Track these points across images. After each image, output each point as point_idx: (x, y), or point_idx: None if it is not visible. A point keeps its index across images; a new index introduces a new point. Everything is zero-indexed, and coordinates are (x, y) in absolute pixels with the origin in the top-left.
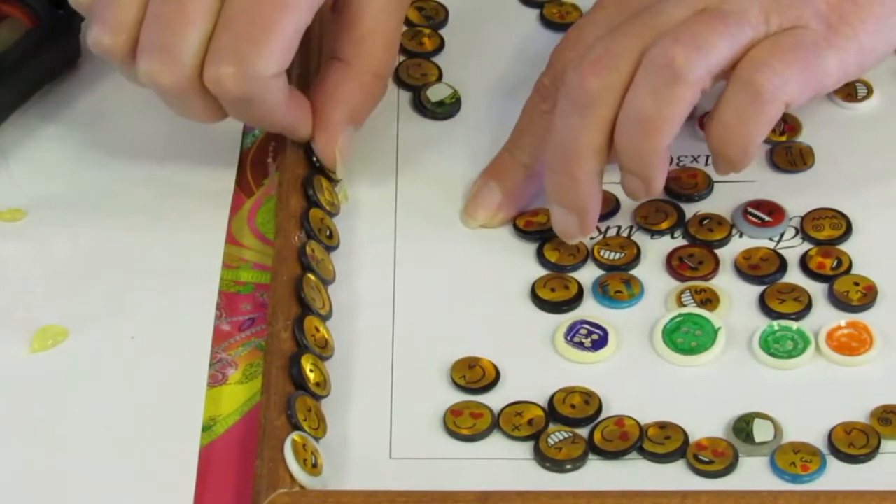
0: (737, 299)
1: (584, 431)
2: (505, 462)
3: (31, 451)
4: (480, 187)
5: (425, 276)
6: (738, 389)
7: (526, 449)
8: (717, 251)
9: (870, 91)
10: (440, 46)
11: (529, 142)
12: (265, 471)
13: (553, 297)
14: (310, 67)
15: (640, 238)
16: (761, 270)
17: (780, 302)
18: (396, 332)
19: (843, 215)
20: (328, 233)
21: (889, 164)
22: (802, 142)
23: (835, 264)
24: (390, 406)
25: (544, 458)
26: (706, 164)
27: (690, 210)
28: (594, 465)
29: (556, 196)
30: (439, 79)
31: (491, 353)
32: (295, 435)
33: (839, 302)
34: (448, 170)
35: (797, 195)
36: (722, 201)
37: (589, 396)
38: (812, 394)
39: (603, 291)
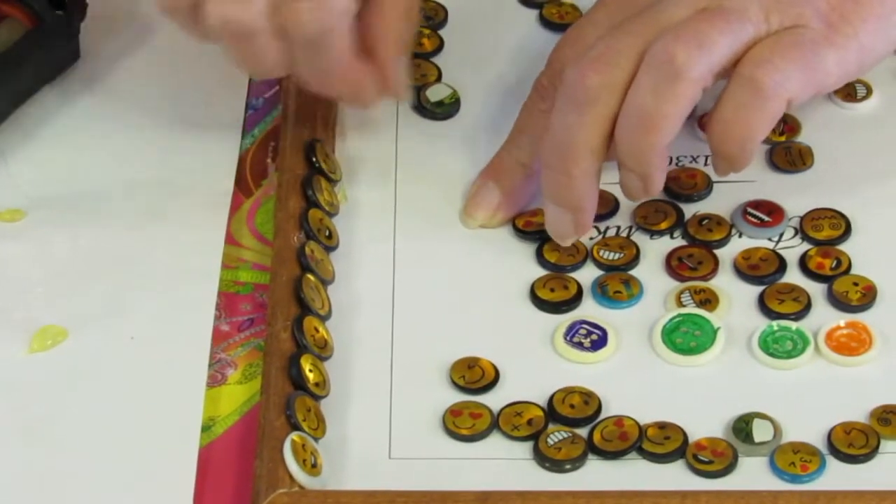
0: (736, 299)
1: (583, 431)
2: (504, 462)
3: (30, 451)
4: (479, 187)
5: (425, 276)
6: (738, 389)
7: (525, 449)
8: (717, 251)
9: (869, 91)
10: (440, 47)
11: (528, 141)
12: (264, 471)
13: (552, 297)
14: None
15: (639, 238)
16: (761, 270)
17: (779, 302)
18: (396, 332)
19: (843, 215)
20: (327, 233)
21: (888, 164)
22: (802, 142)
23: (834, 264)
24: (390, 406)
25: (544, 458)
26: (705, 165)
27: (690, 210)
28: (593, 465)
29: (552, 194)
30: (438, 79)
31: (490, 353)
32: (294, 435)
33: (838, 302)
34: (447, 170)
35: (796, 195)
36: (721, 201)
37: (588, 396)
38: (811, 394)
39: (602, 291)
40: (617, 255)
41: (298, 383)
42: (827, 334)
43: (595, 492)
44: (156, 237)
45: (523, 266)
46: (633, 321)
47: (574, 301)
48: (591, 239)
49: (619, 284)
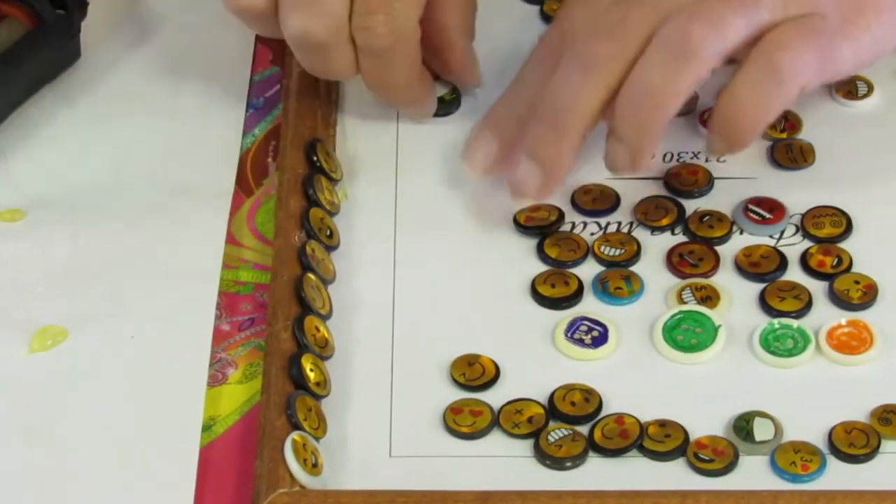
0: (737, 297)
1: (584, 429)
2: (505, 460)
3: (31, 451)
4: (476, 137)
5: (425, 274)
6: (739, 388)
7: (526, 446)
8: (718, 248)
9: (870, 89)
10: None
11: (527, 94)
12: (265, 470)
13: (553, 293)
14: None
15: (640, 234)
16: (762, 268)
17: (780, 300)
18: (396, 332)
19: (844, 213)
20: (328, 232)
21: (890, 162)
22: (803, 139)
23: (835, 262)
24: (390, 405)
25: (544, 456)
26: (707, 161)
27: (691, 207)
28: (594, 462)
29: (534, 148)
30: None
31: (491, 350)
32: (295, 434)
33: (839, 300)
34: (448, 168)
35: (798, 193)
36: (722, 198)
37: (589, 394)
38: (812, 393)
39: (603, 288)
40: (618, 252)
41: (299, 383)
42: (828, 333)
43: (595, 491)
44: (156, 237)
45: (524, 262)
46: (634, 318)
47: (575, 297)
48: (592, 235)
49: (619, 281)
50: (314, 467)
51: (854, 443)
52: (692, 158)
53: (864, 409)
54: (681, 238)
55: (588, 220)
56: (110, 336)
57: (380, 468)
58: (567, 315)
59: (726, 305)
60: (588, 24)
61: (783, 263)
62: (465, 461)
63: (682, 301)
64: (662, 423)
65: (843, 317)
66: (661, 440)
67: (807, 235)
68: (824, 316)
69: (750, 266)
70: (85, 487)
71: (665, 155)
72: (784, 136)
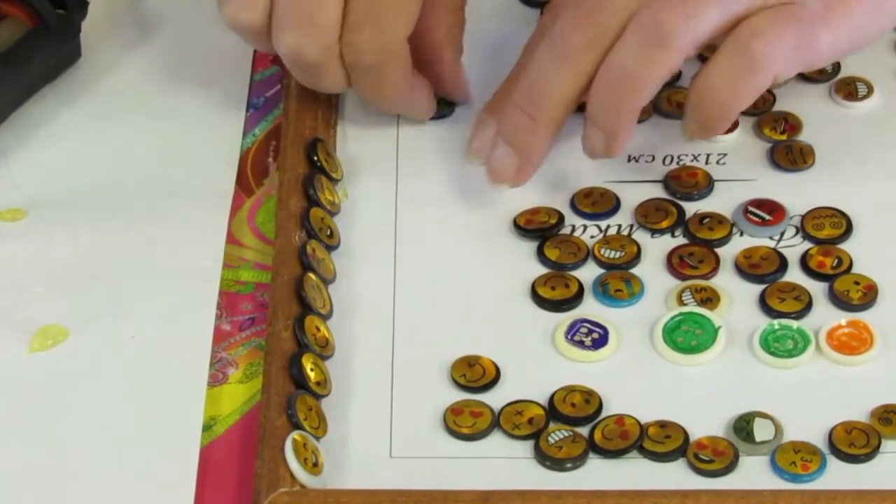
0: (737, 298)
1: (584, 430)
2: (505, 461)
3: (31, 451)
4: (479, 123)
5: (426, 274)
6: (739, 388)
7: (526, 448)
8: (718, 250)
9: (870, 90)
10: None
11: None
12: (265, 470)
13: (553, 295)
14: None
15: (640, 236)
16: (762, 269)
17: (780, 301)
18: (397, 331)
19: (844, 214)
20: (329, 232)
21: (890, 163)
22: (803, 141)
23: (835, 263)
24: (390, 405)
25: (544, 457)
26: (706, 163)
27: (691, 209)
28: (594, 463)
29: (510, 133)
30: None
31: (491, 351)
32: (295, 434)
33: (839, 301)
34: (448, 169)
35: (798, 194)
36: (722, 200)
37: (589, 395)
38: (812, 393)
39: (603, 290)
40: (618, 254)
41: (299, 382)
42: (828, 333)
43: (596, 491)
44: (156, 236)
45: (524, 264)
46: (634, 320)
47: (575, 299)
48: (593, 238)
49: (620, 283)
50: (314, 467)
51: (854, 443)
52: (692, 161)
53: (864, 409)
54: (681, 240)
55: (588, 222)
56: (111, 336)
57: (380, 468)
58: (567, 317)
59: (726, 307)
60: (571, 8)
61: (783, 265)
62: (466, 462)
63: (682, 303)
64: (663, 424)
65: (843, 317)
66: (662, 441)
67: (807, 237)
68: (824, 317)
69: (750, 267)
70: (85, 487)
71: (665, 157)
72: (784, 137)
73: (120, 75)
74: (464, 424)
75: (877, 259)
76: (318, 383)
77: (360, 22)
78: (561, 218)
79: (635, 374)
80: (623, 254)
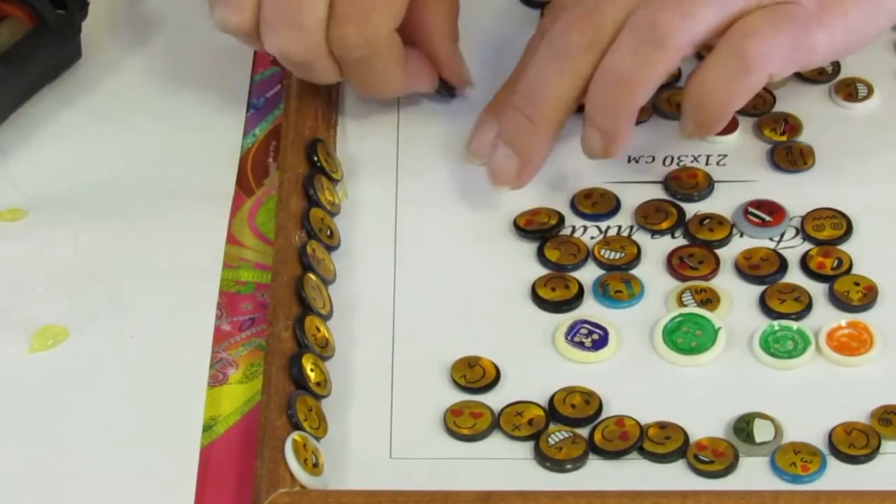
0: (737, 299)
1: (584, 431)
2: (505, 462)
3: (31, 451)
4: (481, 123)
5: (426, 275)
6: (739, 389)
7: (526, 449)
8: (718, 251)
9: (870, 91)
10: None
11: None
12: (266, 471)
13: (553, 296)
14: None
15: (640, 237)
16: (762, 270)
17: (780, 302)
18: (397, 332)
19: (844, 215)
20: (329, 232)
21: (890, 164)
22: (803, 141)
23: (835, 264)
24: (391, 406)
25: (544, 458)
26: (706, 164)
27: (691, 210)
28: (594, 464)
29: (510, 135)
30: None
31: (491, 352)
32: (295, 434)
33: (839, 302)
34: (448, 169)
35: (798, 195)
36: (722, 201)
37: (589, 396)
38: (812, 394)
39: (603, 291)
40: (618, 255)
41: (300, 383)
42: (828, 334)
43: (596, 492)
44: (157, 236)
45: (524, 265)
46: (634, 321)
47: (575, 300)
48: (593, 238)
49: (620, 284)
50: (315, 467)
51: (854, 443)
52: (692, 162)
53: (864, 410)
54: (681, 241)
55: (588, 223)
56: (111, 336)
57: (380, 469)
58: (567, 318)
59: (726, 308)
60: (570, 9)
61: (783, 266)
62: (466, 463)
63: (682, 304)
64: (663, 425)
65: (843, 318)
66: (662, 442)
67: (807, 238)
68: (824, 317)
69: (750, 268)
70: (85, 487)
71: (665, 158)
72: (784, 138)
73: (120, 75)
74: (464, 425)
75: (877, 260)
76: (318, 384)
77: (344, 17)
78: (561, 219)
79: (635, 375)
80: (623, 255)
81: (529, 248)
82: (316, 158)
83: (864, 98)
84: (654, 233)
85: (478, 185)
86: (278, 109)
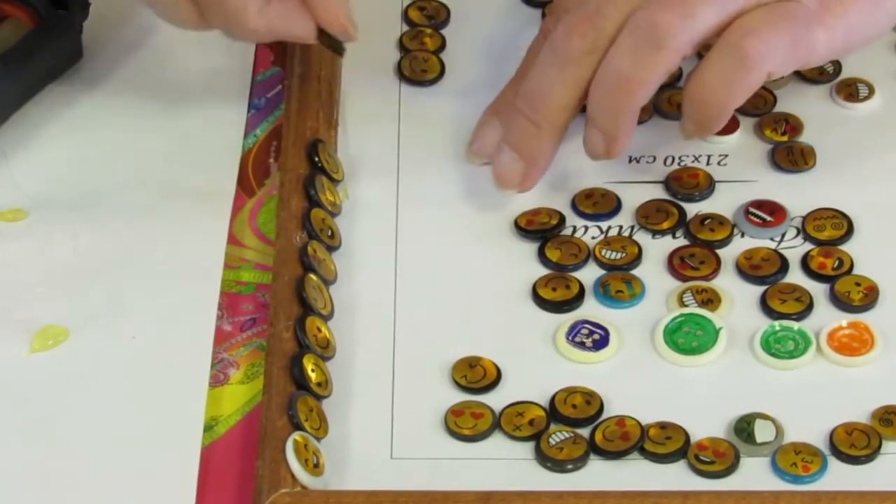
0: (738, 299)
1: (585, 431)
2: (506, 462)
3: (31, 451)
4: (482, 124)
5: (426, 275)
6: (740, 390)
7: (527, 449)
8: (719, 251)
9: (871, 91)
10: (441, 46)
11: None
12: (266, 471)
13: (554, 296)
14: (310, 68)
15: (641, 238)
16: (762, 270)
17: (781, 302)
18: (398, 332)
19: (845, 215)
20: (330, 233)
21: (890, 164)
22: (804, 142)
23: (836, 264)
24: (391, 406)
25: (545, 459)
26: (707, 164)
27: (692, 210)
28: (595, 465)
29: (515, 139)
30: (441, 75)
31: (492, 352)
32: (296, 435)
33: (840, 302)
34: (449, 169)
35: (798, 195)
36: (723, 201)
37: (590, 396)
38: (813, 394)
39: (604, 291)
40: (619, 255)
41: (300, 383)
42: (829, 334)
43: (597, 492)
44: (157, 237)
45: (525, 265)
46: (635, 321)
47: (576, 300)
48: (593, 238)
49: (620, 284)
50: (315, 468)
51: (855, 444)
52: (693, 162)
53: (864, 411)
54: (682, 241)
55: (589, 223)
56: (111, 336)
57: (381, 469)
58: (568, 318)
59: (727, 308)
60: (570, 13)
61: (784, 266)
62: (466, 463)
63: (683, 304)
64: (663, 426)
65: (843, 318)
66: (662, 442)
67: (808, 238)
68: (825, 318)
69: (751, 269)
70: (86, 488)
71: (666, 158)
72: (785, 138)
73: (122, 74)
74: (465, 425)
75: (878, 260)
76: (319, 384)
77: None
78: (562, 219)
79: (636, 375)
80: (624, 255)
81: (530, 248)
82: (317, 159)
83: (865, 98)
84: (655, 233)
85: (479, 185)
86: (279, 110)
